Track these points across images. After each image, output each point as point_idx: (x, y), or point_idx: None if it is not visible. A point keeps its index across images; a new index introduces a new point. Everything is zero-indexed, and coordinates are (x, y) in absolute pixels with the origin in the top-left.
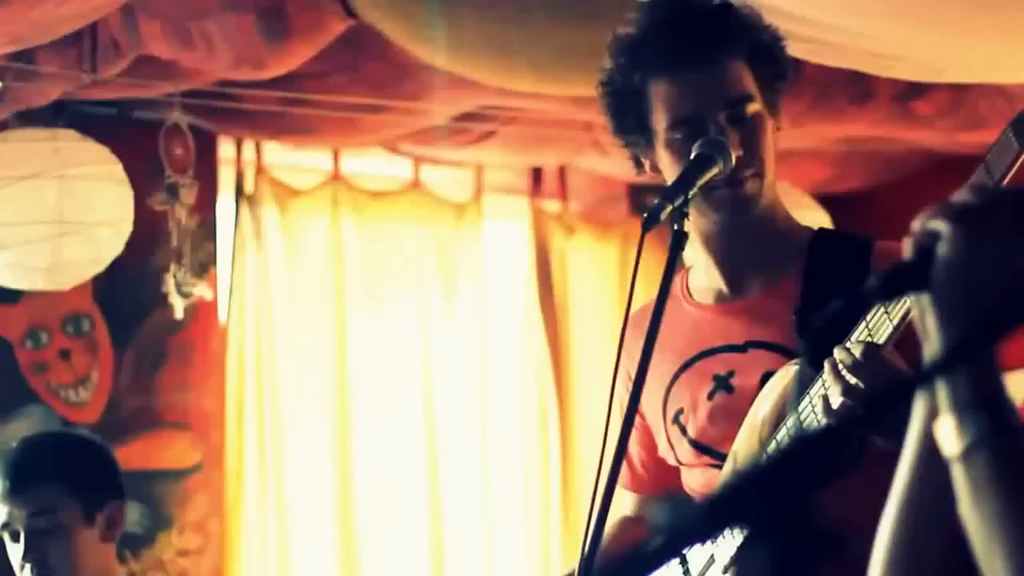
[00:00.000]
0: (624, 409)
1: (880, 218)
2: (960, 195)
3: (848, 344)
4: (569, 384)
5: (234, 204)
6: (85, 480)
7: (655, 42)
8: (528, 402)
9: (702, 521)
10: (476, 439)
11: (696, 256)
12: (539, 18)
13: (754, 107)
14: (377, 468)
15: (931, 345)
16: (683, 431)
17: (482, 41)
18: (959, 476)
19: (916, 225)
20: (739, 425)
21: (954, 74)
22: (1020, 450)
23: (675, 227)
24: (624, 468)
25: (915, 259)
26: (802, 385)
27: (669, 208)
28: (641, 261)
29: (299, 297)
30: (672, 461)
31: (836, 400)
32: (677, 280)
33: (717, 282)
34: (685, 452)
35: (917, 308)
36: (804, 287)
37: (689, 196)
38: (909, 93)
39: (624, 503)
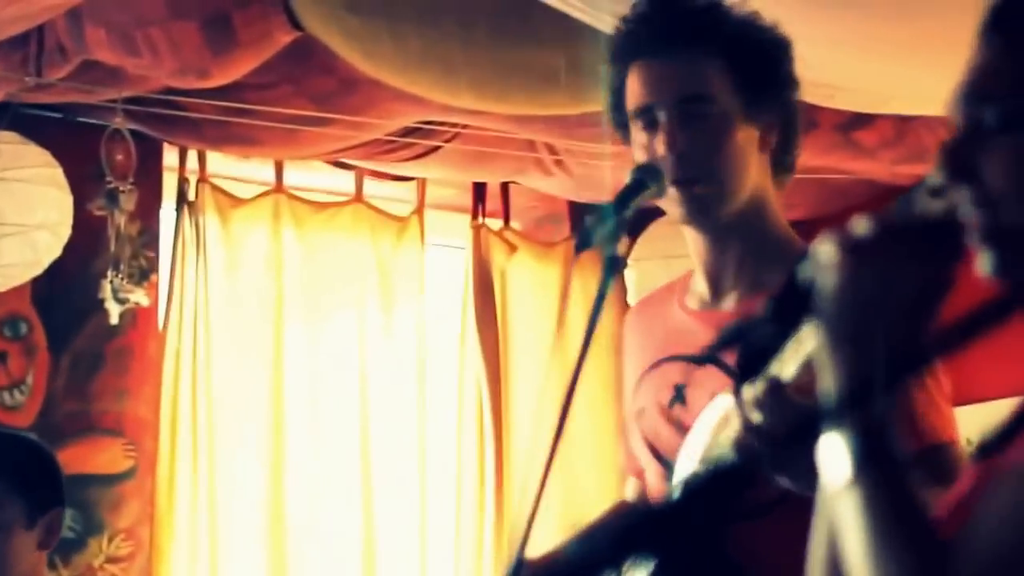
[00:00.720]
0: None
1: None
2: (858, 223)
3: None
4: (506, 402)
5: (176, 212)
6: (32, 482)
7: (633, 29)
8: (465, 419)
9: (609, 551)
10: (412, 453)
11: (692, 260)
12: (482, 37)
13: (715, 108)
14: (310, 480)
15: (824, 377)
16: (641, 431)
17: (425, 58)
18: (838, 504)
19: (811, 250)
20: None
21: (899, 105)
22: (899, 482)
23: (607, 250)
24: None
25: (798, 285)
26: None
27: (601, 230)
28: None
29: (238, 307)
30: (638, 460)
31: (739, 436)
32: (681, 280)
33: (702, 288)
34: (643, 453)
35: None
36: (767, 307)
37: (622, 219)
38: (853, 123)
39: (628, 488)
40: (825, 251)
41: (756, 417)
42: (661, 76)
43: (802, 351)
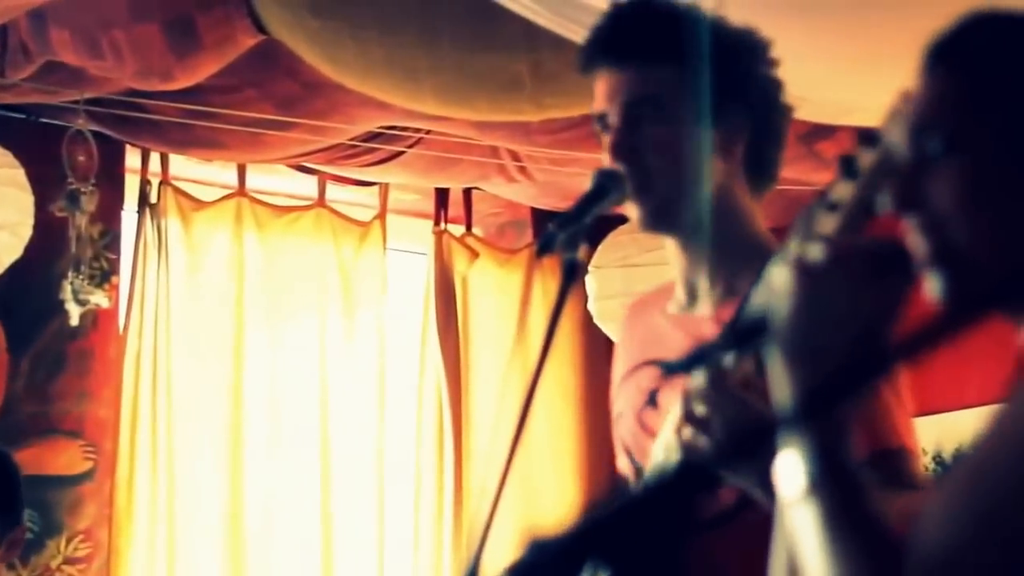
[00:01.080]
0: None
1: None
2: (810, 246)
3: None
4: (466, 407)
5: (138, 214)
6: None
7: (594, 37)
8: (425, 423)
9: (559, 558)
10: (371, 457)
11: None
12: (445, 42)
13: (666, 113)
14: (269, 483)
15: (779, 393)
16: (620, 436)
17: (389, 62)
18: (795, 515)
19: (768, 274)
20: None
21: (861, 117)
22: (853, 493)
23: (568, 256)
24: None
25: (754, 318)
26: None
27: (562, 237)
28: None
29: (199, 310)
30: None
31: (687, 435)
32: (672, 284)
33: (680, 293)
34: (621, 456)
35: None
36: (733, 320)
37: (583, 226)
38: (814, 134)
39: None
40: (779, 274)
41: (700, 409)
42: (616, 83)
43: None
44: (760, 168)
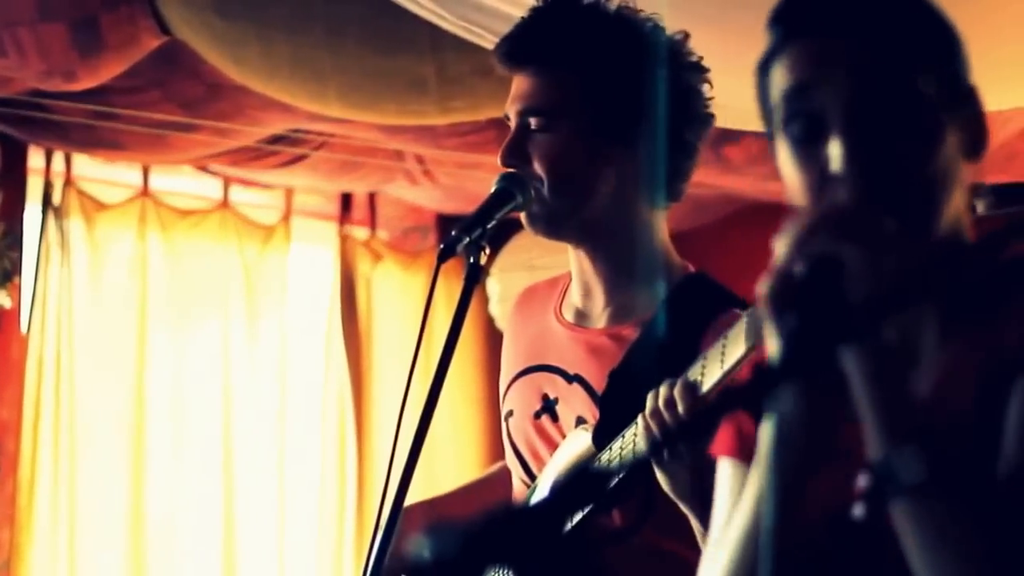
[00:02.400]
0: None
1: (692, 260)
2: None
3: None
4: (369, 411)
5: (41, 214)
6: None
7: (503, 43)
8: (328, 428)
9: (462, 558)
10: (274, 460)
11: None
12: (351, 44)
13: (559, 123)
14: (171, 485)
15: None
16: (509, 434)
17: (294, 64)
18: (900, 519)
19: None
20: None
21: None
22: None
23: (471, 260)
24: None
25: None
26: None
27: (465, 241)
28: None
29: (102, 311)
30: (506, 457)
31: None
32: (564, 280)
33: (577, 299)
34: (509, 454)
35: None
36: (641, 338)
37: (486, 229)
38: (720, 139)
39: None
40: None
41: (666, 415)
42: (520, 87)
43: (727, 365)
44: (667, 179)
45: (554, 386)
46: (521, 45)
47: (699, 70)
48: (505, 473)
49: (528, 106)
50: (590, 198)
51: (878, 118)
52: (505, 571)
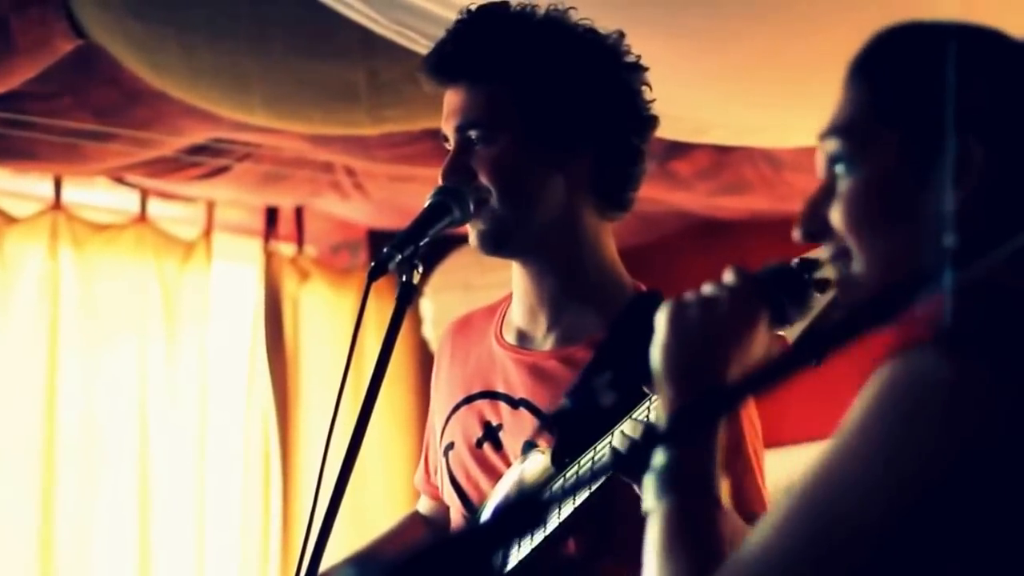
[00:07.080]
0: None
1: (639, 278)
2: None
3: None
4: (295, 438)
5: None
6: None
7: (433, 55)
8: (251, 457)
9: None
10: (192, 490)
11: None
12: (278, 49)
13: (497, 137)
14: (83, 514)
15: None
16: (449, 468)
17: (216, 70)
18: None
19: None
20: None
21: (718, 135)
22: (701, 517)
23: (403, 278)
24: (420, 470)
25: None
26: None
27: (398, 258)
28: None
29: (10, 332)
30: (441, 493)
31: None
32: (502, 304)
33: (520, 320)
34: (447, 489)
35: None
36: (596, 360)
37: (420, 246)
38: (668, 152)
39: (422, 502)
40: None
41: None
42: (453, 103)
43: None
44: (609, 198)
45: (497, 413)
46: (448, 60)
47: (637, 70)
48: (417, 520)
49: (464, 121)
50: (540, 204)
51: None
52: None
